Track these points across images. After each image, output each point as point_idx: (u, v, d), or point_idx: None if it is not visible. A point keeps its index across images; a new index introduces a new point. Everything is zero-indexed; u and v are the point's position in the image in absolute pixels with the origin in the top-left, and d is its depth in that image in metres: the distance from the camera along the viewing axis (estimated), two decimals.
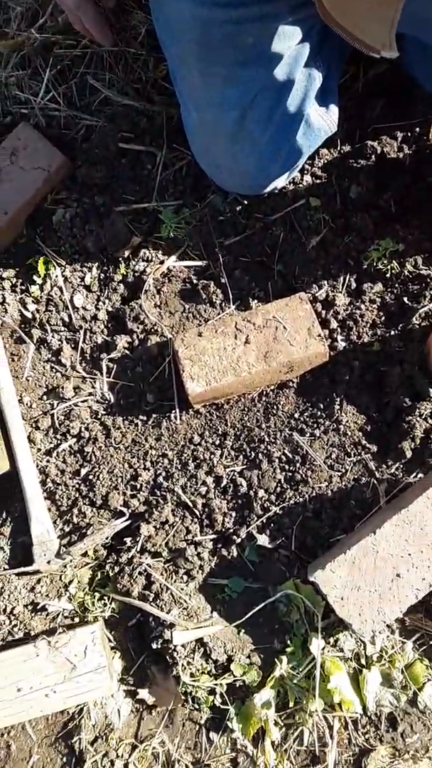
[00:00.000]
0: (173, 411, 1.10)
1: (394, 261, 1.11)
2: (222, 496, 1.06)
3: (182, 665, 1.00)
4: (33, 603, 1.05)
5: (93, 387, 1.14)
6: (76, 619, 1.05)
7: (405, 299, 1.10)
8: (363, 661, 1.01)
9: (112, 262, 1.17)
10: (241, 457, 1.08)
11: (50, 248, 1.17)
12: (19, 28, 1.24)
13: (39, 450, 1.12)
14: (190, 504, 1.06)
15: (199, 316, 1.15)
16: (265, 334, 1.06)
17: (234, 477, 1.07)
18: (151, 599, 1.01)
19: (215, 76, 0.97)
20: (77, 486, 1.09)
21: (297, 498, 1.04)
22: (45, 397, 1.15)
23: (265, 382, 1.09)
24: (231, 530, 1.04)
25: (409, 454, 1.04)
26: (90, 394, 1.14)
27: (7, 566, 1.07)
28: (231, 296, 1.14)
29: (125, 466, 1.09)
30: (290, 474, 1.06)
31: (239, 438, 1.09)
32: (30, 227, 1.20)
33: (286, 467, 1.06)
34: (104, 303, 1.16)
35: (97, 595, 1.06)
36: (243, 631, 1.03)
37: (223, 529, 1.05)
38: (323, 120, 1.06)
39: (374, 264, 1.12)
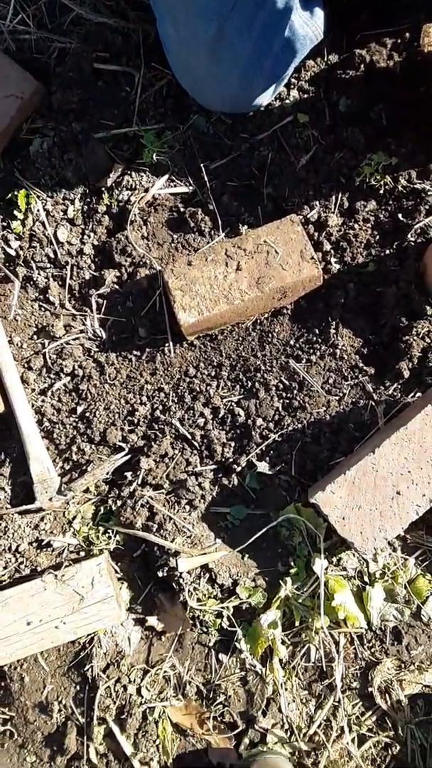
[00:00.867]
0: (167, 344, 1.08)
1: (387, 176, 1.07)
2: (220, 427, 1.06)
3: (189, 591, 1.01)
4: (38, 540, 1.06)
5: (84, 324, 1.11)
6: (82, 553, 1.06)
7: (399, 216, 1.07)
8: (366, 579, 1.02)
9: (94, 193, 1.13)
10: (237, 387, 1.07)
11: (30, 181, 1.12)
12: None
13: (33, 390, 1.10)
14: (189, 436, 1.05)
15: (189, 246, 1.11)
16: (256, 259, 1.03)
17: (231, 407, 1.06)
18: (154, 530, 1.02)
19: None
20: (74, 424, 1.08)
21: (295, 424, 1.04)
22: (35, 337, 1.12)
23: (259, 309, 1.06)
24: (231, 459, 1.04)
25: (406, 374, 1.03)
26: (81, 331, 1.11)
27: (9, 506, 1.07)
28: (220, 223, 1.10)
29: (122, 402, 1.08)
30: (288, 401, 1.05)
31: (235, 368, 1.08)
32: (7, 159, 1.15)
33: (284, 394, 1.05)
34: (89, 236, 1.12)
35: (101, 528, 1.07)
36: (247, 556, 1.04)
37: (223, 459, 1.05)
38: (308, 26, 0.99)
39: (367, 180, 1.07)
